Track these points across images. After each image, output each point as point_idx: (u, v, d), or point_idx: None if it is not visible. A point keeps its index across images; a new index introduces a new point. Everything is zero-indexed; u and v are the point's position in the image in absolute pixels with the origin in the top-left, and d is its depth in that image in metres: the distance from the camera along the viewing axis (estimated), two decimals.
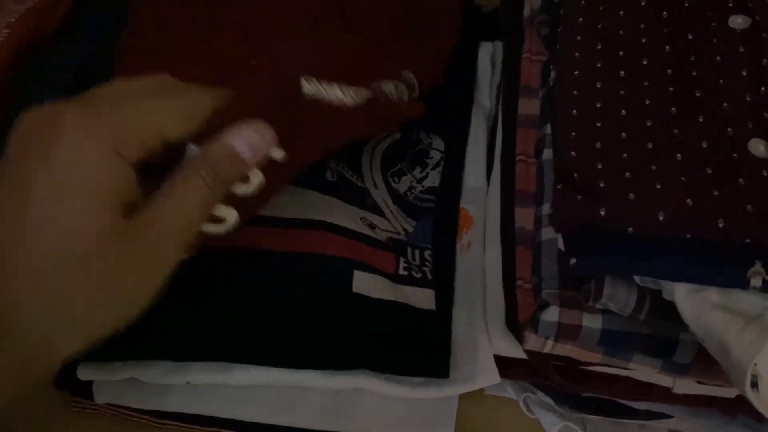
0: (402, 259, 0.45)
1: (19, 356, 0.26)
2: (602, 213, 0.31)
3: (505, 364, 0.42)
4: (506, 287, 0.42)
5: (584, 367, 0.40)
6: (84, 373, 0.43)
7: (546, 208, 0.40)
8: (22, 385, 0.27)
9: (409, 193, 0.49)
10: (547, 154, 0.42)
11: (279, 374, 0.40)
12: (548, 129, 0.42)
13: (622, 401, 0.42)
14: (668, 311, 0.33)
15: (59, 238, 0.26)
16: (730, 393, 0.39)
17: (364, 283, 0.41)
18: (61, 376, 0.45)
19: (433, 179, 0.50)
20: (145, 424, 0.44)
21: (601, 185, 0.32)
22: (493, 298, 0.43)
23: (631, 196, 0.32)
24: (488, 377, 0.41)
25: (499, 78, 0.55)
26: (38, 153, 0.26)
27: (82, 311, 0.26)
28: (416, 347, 0.40)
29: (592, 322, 0.35)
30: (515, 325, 0.39)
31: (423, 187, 0.50)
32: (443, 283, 0.45)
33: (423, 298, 0.43)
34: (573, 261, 0.32)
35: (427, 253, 0.46)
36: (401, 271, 0.44)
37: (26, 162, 0.26)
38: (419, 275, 0.44)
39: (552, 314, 0.35)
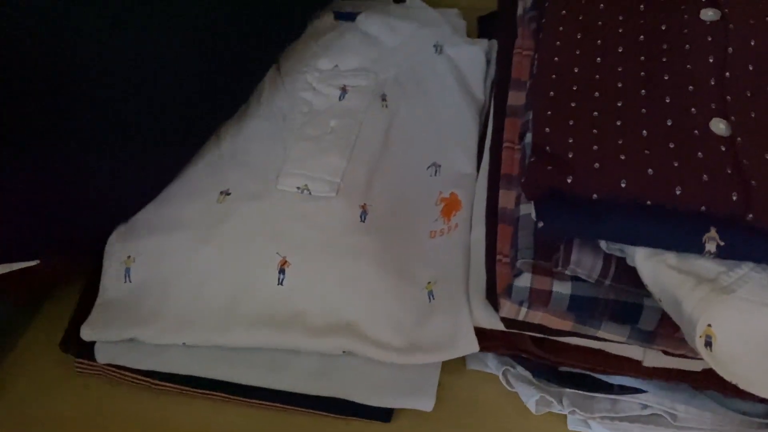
0: None
1: None
2: (569, 180, 0.34)
3: (485, 337, 0.44)
4: (488, 262, 0.44)
5: (558, 339, 0.42)
6: (87, 334, 0.45)
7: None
8: None
9: None
10: (529, 137, 0.44)
11: (270, 336, 0.43)
12: (530, 115, 0.45)
13: (596, 375, 0.44)
14: (632, 277, 0.35)
15: None
16: (696, 366, 0.40)
17: None
18: (65, 339, 0.48)
19: None
20: (144, 387, 0.47)
21: (570, 156, 0.35)
22: (477, 276, 0.45)
23: (596, 165, 0.34)
24: (468, 346, 0.43)
25: (493, 73, 0.58)
26: None
27: None
28: None
29: (561, 288, 0.37)
30: (494, 296, 0.41)
31: None
32: None
33: None
34: (540, 224, 0.34)
35: None
36: None
37: None
38: None
39: (524, 280, 0.38)
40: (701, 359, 0.38)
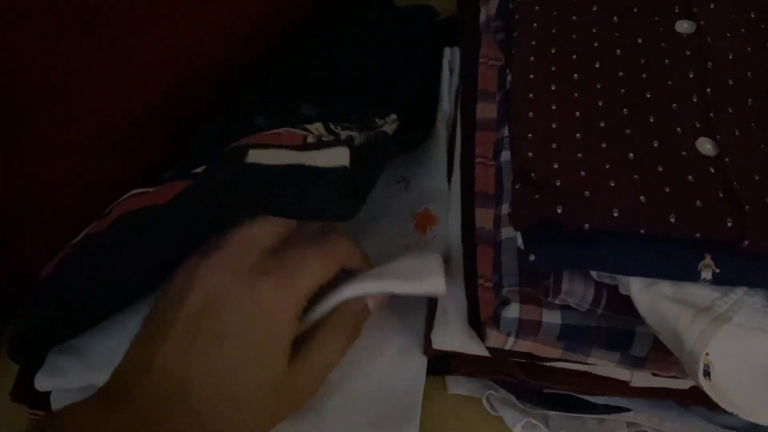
0: (310, 135, 0.43)
1: None
2: (559, 210, 0.32)
3: (467, 361, 0.43)
4: (468, 286, 0.42)
5: (545, 363, 0.41)
6: (41, 383, 0.42)
7: (505, 208, 0.40)
8: None
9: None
10: (506, 155, 0.43)
11: None
12: (506, 131, 0.43)
13: (581, 396, 0.43)
14: (624, 305, 0.34)
15: (248, 378, 0.34)
16: (684, 384, 0.40)
17: (259, 155, 0.40)
18: (17, 388, 0.44)
19: None
20: None
21: (558, 184, 0.33)
22: (451, 296, 0.44)
23: (587, 193, 0.33)
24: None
25: (456, 82, 0.56)
26: (236, 311, 0.34)
27: None
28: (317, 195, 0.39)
29: (551, 317, 0.36)
30: (477, 323, 0.40)
31: None
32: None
33: (335, 156, 0.41)
34: (532, 257, 0.33)
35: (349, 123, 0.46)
36: (309, 141, 0.42)
37: (222, 314, 0.34)
38: (330, 139, 0.43)
39: (513, 311, 0.36)
40: (686, 377, 0.39)
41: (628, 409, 0.43)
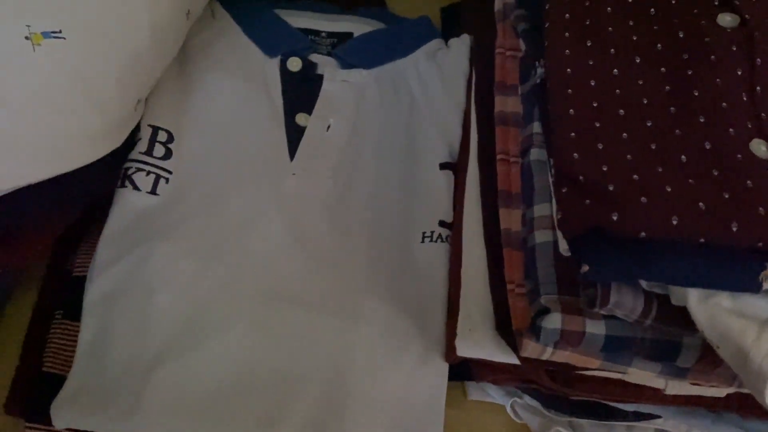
0: None
1: None
2: (614, 218, 0.30)
3: (493, 370, 0.41)
4: (494, 291, 0.40)
5: (576, 371, 0.39)
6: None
7: (538, 210, 0.38)
8: None
9: None
10: (536, 153, 0.41)
11: None
12: (535, 128, 0.41)
13: (610, 403, 0.41)
14: (675, 316, 0.32)
15: None
16: (719, 393, 0.39)
17: None
18: (10, 400, 0.41)
19: None
20: None
21: (611, 188, 0.31)
22: (475, 300, 0.41)
23: (643, 200, 0.31)
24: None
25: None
26: None
27: None
28: None
29: (595, 328, 0.34)
30: (508, 332, 0.38)
31: None
32: None
33: None
34: (585, 268, 0.30)
35: None
36: None
37: None
38: None
39: (554, 321, 0.34)
40: (727, 387, 0.37)
41: (657, 416, 0.42)
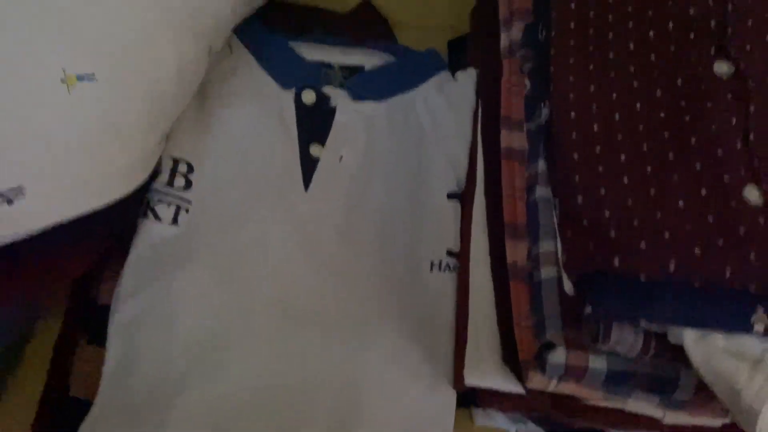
0: None
1: None
2: (616, 263, 0.32)
3: (500, 398, 0.43)
4: (501, 322, 0.42)
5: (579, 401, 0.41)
6: None
7: (543, 246, 0.40)
8: None
9: None
10: (541, 191, 0.42)
11: None
12: (540, 166, 0.43)
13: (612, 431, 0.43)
14: (672, 352, 0.34)
15: None
16: (716, 422, 0.40)
17: None
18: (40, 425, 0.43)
19: None
20: None
21: (612, 235, 0.33)
22: (482, 330, 0.43)
23: (642, 245, 0.33)
24: None
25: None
26: None
27: None
28: None
29: (597, 363, 0.36)
30: (514, 363, 0.40)
31: None
32: None
33: None
34: (588, 309, 0.32)
35: None
36: None
37: None
38: None
39: (559, 356, 0.36)
40: (723, 417, 0.39)
41: None
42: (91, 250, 0.42)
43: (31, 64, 0.35)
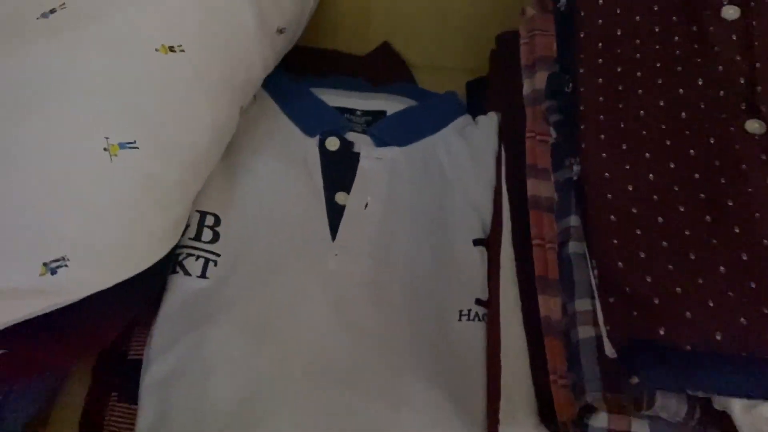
0: None
1: None
2: (661, 332, 0.33)
3: None
4: (536, 379, 0.42)
5: None
6: None
7: (580, 304, 0.40)
8: None
9: None
10: (574, 246, 0.42)
11: None
12: (573, 221, 0.43)
13: None
14: (718, 419, 0.34)
15: None
16: None
17: None
18: None
19: None
20: None
21: (656, 302, 0.34)
22: (515, 384, 0.43)
23: (688, 314, 0.33)
24: None
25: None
26: None
27: None
28: None
29: (640, 427, 0.36)
30: (551, 421, 0.40)
31: None
32: None
33: None
34: (635, 380, 0.33)
35: None
36: None
37: None
38: None
39: (601, 420, 0.36)
40: None
41: None
42: (126, 314, 0.41)
43: (75, 134, 0.35)
